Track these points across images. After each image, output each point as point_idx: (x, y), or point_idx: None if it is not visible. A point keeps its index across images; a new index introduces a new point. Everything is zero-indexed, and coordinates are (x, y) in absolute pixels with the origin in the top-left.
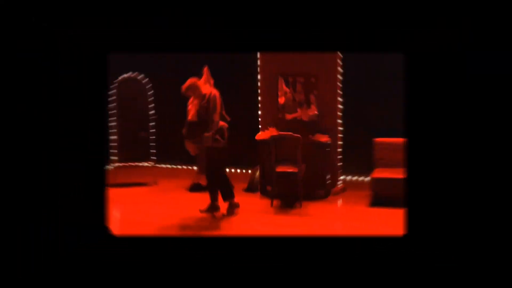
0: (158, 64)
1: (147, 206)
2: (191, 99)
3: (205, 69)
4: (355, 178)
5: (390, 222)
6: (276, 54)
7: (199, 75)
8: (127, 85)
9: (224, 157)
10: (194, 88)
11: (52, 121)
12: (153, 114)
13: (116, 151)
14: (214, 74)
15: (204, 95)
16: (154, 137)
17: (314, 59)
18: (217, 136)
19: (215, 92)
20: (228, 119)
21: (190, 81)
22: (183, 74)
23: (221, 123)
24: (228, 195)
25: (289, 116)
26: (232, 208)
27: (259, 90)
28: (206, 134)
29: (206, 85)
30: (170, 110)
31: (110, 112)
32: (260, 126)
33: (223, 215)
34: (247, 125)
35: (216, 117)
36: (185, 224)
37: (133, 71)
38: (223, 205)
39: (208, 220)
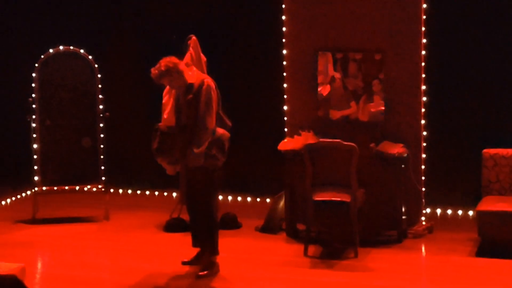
0: (112, 31)
1: (92, 255)
2: (166, 89)
3: (192, 40)
4: (448, 211)
5: (510, 283)
6: (313, 17)
7: (180, 50)
8: (59, 65)
9: (218, 181)
10: (174, 73)
11: None
12: (103, 111)
13: (37, 167)
14: (206, 49)
15: (190, 86)
16: (103, 146)
17: (379, 24)
18: (214, 151)
19: (208, 80)
20: (229, 124)
21: (166, 61)
22: (153, 48)
23: (219, 130)
24: (210, 244)
25: (336, 114)
26: (209, 269)
27: (285, 74)
28: (196, 150)
29: (192, 69)
30: (131, 104)
31: (28, 107)
32: (286, 130)
33: (197, 276)
34: (264, 128)
35: (212, 121)
36: (156, 285)
37: (70, 44)
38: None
39: (193, 280)
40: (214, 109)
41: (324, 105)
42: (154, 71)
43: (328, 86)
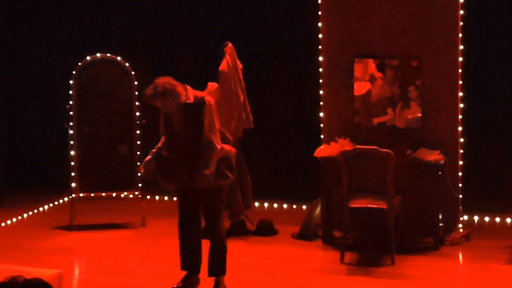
0: (149, 39)
1: (128, 261)
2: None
3: (229, 47)
4: (485, 218)
5: None
6: (350, 23)
7: (212, 55)
8: (96, 72)
9: (225, 199)
10: (170, 96)
11: None
12: (139, 118)
13: (75, 174)
14: (243, 56)
15: (189, 106)
16: (139, 153)
17: (416, 30)
18: (224, 170)
19: (208, 98)
20: (231, 138)
21: (163, 82)
22: (190, 55)
23: (226, 146)
24: (222, 266)
25: (374, 121)
26: None
27: (322, 80)
28: (206, 171)
29: (187, 88)
30: None
31: (65, 114)
32: (322, 137)
33: None
34: (300, 135)
35: (217, 139)
36: None
37: (108, 51)
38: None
39: (227, 278)
40: (217, 127)
41: (361, 112)
42: (149, 91)
43: (371, 89)
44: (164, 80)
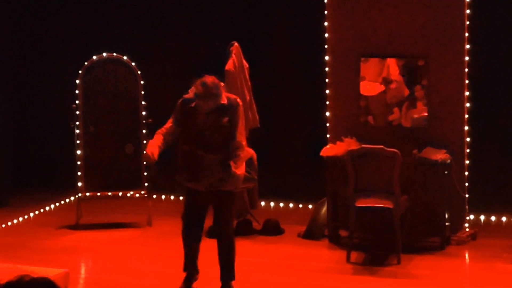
0: (155, 38)
1: (135, 261)
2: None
3: (235, 47)
4: (491, 218)
5: None
6: (356, 22)
7: (218, 55)
8: (102, 72)
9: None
10: (220, 96)
11: None
12: (145, 117)
13: (81, 173)
14: (249, 55)
15: (223, 106)
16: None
17: (422, 30)
18: (252, 172)
19: (239, 99)
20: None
21: (216, 82)
22: (196, 54)
23: (249, 150)
24: (231, 272)
25: (381, 120)
26: None
27: (328, 80)
28: (239, 172)
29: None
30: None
31: (71, 113)
32: (328, 136)
33: None
34: (306, 134)
35: (245, 140)
36: None
37: (114, 51)
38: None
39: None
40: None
41: (369, 109)
42: (200, 89)
43: (383, 86)
44: (215, 81)
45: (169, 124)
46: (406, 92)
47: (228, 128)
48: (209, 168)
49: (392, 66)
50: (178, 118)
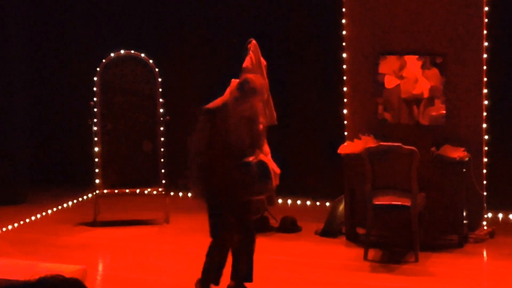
0: (173, 35)
1: (152, 258)
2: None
3: (252, 44)
4: (510, 216)
5: None
6: (374, 20)
7: (236, 52)
8: (120, 69)
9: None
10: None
11: None
12: (163, 114)
13: (99, 170)
14: (266, 53)
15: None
16: (163, 149)
17: (440, 27)
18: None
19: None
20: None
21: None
22: (214, 52)
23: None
24: (250, 269)
25: (398, 118)
26: None
27: (345, 77)
28: (278, 171)
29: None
30: (191, 109)
31: (89, 110)
32: (346, 134)
33: None
34: (324, 132)
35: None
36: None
37: (131, 48)
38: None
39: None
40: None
41: (388, 108)
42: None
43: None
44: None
45: None
46: (425, 89)
47: (249, 130)
48: (231, 173)
49: (410, 63)
50: (207, 141)
